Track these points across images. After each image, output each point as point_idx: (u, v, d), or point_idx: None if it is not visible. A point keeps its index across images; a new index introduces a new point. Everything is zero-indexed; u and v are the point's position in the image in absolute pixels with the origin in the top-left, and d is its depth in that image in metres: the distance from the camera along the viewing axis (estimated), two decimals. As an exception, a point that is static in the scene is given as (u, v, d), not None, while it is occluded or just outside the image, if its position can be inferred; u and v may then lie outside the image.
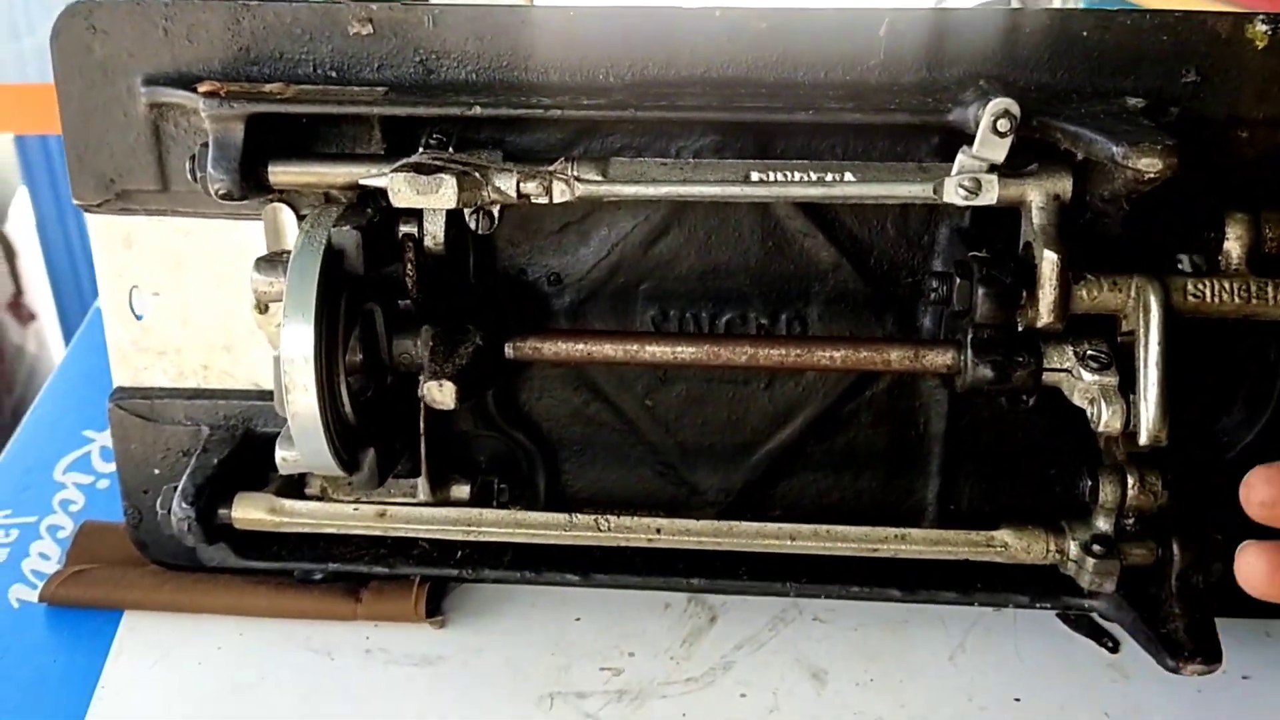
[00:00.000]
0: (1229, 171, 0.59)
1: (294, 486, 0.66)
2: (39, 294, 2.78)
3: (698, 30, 0.59)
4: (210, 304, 0.66)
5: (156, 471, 0.69)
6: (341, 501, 0.65)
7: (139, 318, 0.67)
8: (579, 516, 0.63)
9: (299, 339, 0.55)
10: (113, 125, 0.62)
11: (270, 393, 0.67)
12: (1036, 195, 0.57)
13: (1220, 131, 0.59)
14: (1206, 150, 0.59)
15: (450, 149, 0.59)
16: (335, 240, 0.57)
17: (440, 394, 0.56)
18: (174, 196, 0.63)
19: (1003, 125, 0.54)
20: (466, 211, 0.60)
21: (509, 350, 0.62)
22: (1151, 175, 0.51)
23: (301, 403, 0.56)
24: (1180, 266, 0.59)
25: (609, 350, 0.62)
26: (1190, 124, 0.58)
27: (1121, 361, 0.57)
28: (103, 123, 0.62)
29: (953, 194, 0.56)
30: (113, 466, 0.80)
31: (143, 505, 0.69)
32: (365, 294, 0.60)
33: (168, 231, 0.65)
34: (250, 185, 0.59)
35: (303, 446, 0.57)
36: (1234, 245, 0.58)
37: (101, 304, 0.67)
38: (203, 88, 0.59)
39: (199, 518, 0.63)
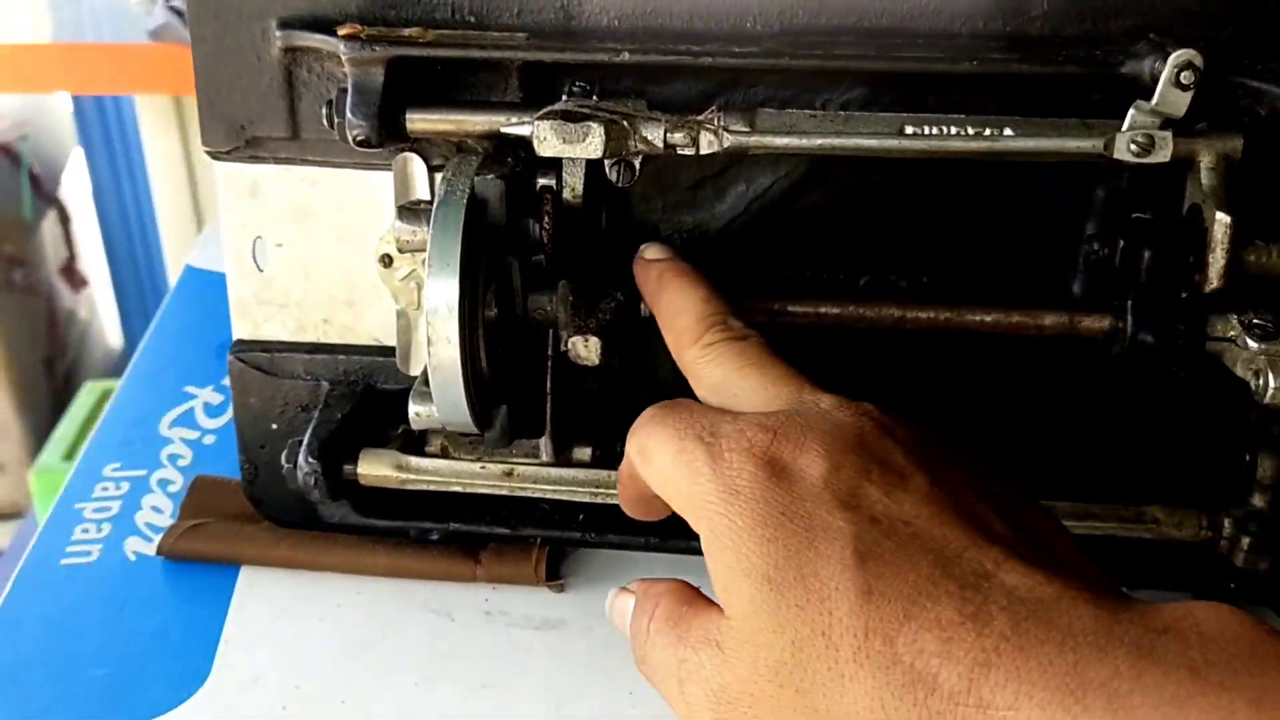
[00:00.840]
0: None
1: (414, 445, 0.65)
2: (92, 259, 2.79)
3: (851, -23, 0.57)
4: (333, 257, 0.65)
5: (274, 426, 0.68)
6: (466, 459, 0.64)
7: (261, 269, 0.66)
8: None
9: (444, 290, 0.53)
10: (245, 70, 0.60)
11: (392, 349, 0.66)
12: (1207, 155, 0.55)
13: (1402, 91, 0.56)
14: (1387, 110, 0.57)
15: (594, 97, 0.58)
16: (479, 189, 0.55)
17: (586, 349, 0.55)
18: (303, 145, 0.62)
19: (1186, 78, 0.51)
20: (607, 163, 0.58)
21: (644, 309, 0.60)
22: (1352, 129, 0.49)
23: (444, 355, 0.54)
24: None
25: (747, 308, 0.60)
26: (1371, 82, 0.56)
27: (1289, 331, 0.55)
28: (235, 67, 0.60)
29: (1124, 151, 0.54)
30: (218, 422, 0.80)
31: (259, 460, 0.68)
32: (503, 246, 0.58)
33: (294, 181, 0.64)
34: (389, 132, 0.58)
35: (442, 400, 0.56)
36: None
37: (225, 256, 0.65)
38: (342, 30, 0.57)
39: (325, 472, 0.62)
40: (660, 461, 0.45)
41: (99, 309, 2.76)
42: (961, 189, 0.62)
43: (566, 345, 0.56)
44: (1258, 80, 0.52)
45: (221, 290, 0.67)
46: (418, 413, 0.59)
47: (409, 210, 0.57)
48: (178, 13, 1.57)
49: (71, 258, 2.66)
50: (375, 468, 0.63)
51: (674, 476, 0.44)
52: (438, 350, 0.54)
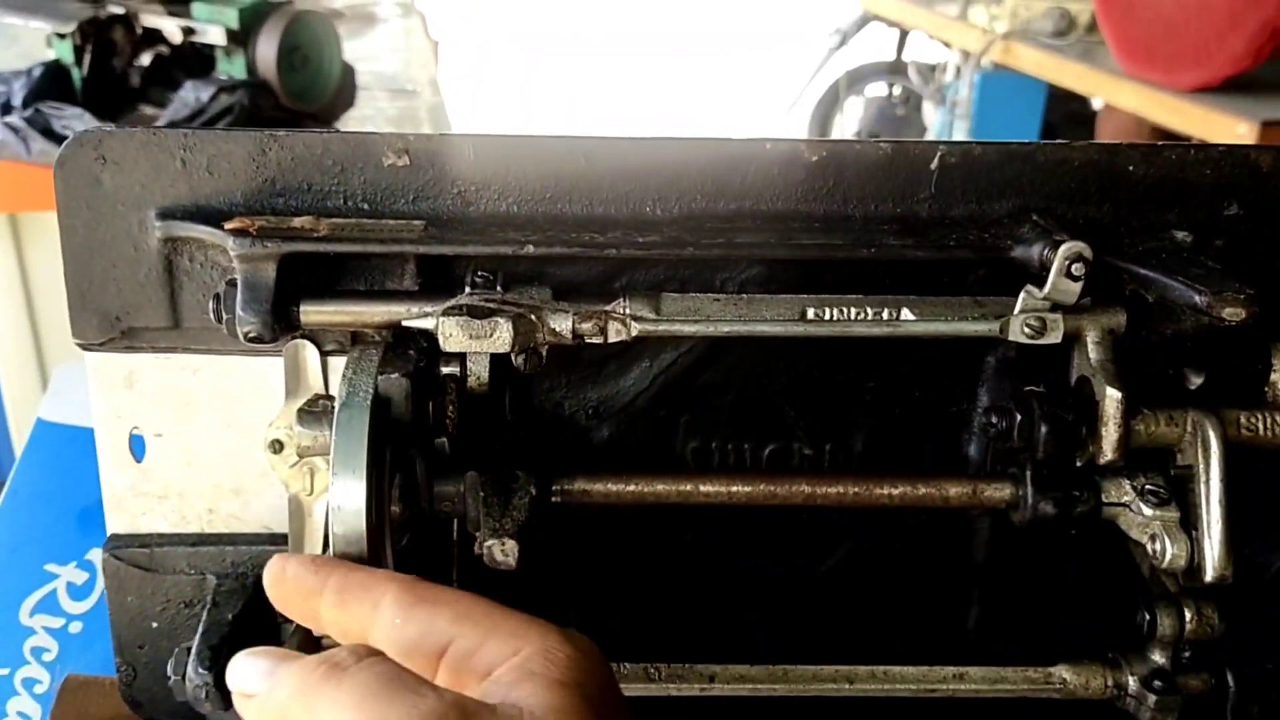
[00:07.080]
0: (1274, 303, 0.60)
1: (313, 641, 0.62)
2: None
3: (748, 162, 0.58)
4: (218, 444, 0.62)
5: (155, 625, 0.63)
6: (369, 656, 0.60)
7: (139, 460, 0.62)
8: (627, 666, 0.60)
9: (350, 496, 0.51)
10: (121, 260, 0.57)
11: (283, 536, 0.62)
12: (1093, 330, 0.57)
13: (1264, 263, 0.60)
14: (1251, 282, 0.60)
15: (498, 287, 0.57)
16: (383, 389, 0.53)
17: (503, 554, 0.53)
18: (185, 334, 0.59)
19: (1077, 269, 0.53)
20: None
21: (555, 494, 0.59)
22: (1235, 323, 0.52)
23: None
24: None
25: (660, 489, 0.59)
26: (1235, 257, 0.59)
27: (1178, 495, 0.58)
28: (110, 258, 0.57)
29: (1018, 333, 0.56)
30: (84, 605, 0.75)
31: (138, 661, 0.64)
32: (408, 443, 0.56)
33: (174, 369, 0.60)
34: (281, 326, 0.55)
35: (347, 610, 0.53)
36: (1280, 377, 0.59)
37: (98, 447, 0.61)
38: (230, 224, 0.55)
39: (218, 684, 0.57)
40: None
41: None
42: (856, 359, 0.63)
43: (481, 549, 0.54)
44: (1142, 267, 0.55)
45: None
46: (319, 620, 0.56)
47: (308, 413, 0.54)
48: (13, 129, 1.49)
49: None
50: (271, 673, 0.59)
51: None
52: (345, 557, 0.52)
